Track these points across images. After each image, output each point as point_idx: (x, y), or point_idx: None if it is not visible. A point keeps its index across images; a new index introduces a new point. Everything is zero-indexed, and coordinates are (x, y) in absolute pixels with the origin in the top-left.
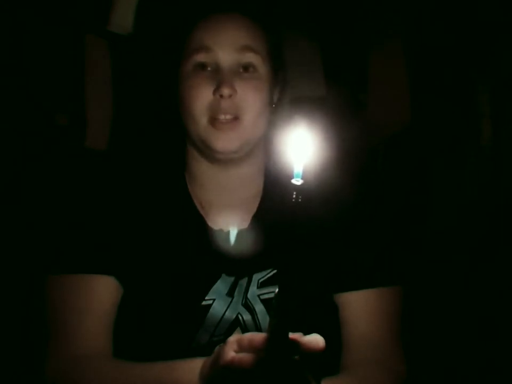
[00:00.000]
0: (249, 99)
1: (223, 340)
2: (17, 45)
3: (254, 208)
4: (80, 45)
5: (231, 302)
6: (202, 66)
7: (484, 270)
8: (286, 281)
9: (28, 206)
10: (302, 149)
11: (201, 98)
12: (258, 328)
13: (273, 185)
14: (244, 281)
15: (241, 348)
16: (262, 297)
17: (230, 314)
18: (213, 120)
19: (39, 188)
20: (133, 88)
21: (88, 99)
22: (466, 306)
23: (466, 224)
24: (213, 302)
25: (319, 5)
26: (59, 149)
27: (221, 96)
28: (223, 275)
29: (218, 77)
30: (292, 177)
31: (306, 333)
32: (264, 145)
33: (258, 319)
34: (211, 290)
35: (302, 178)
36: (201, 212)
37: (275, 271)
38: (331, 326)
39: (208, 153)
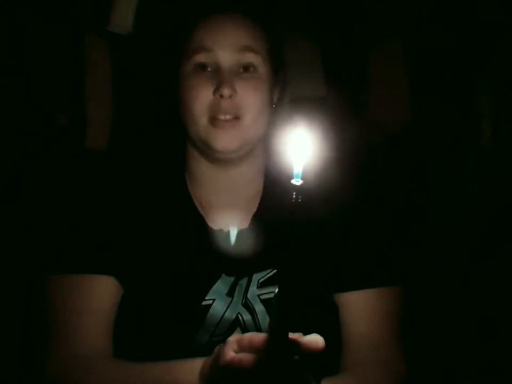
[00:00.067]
0: (249, 99)
1: (223, 340)
2: (17, 45)
3: (254, 208)
4: (80, 45)
5: (231, 302)
6: (202, 66)
7: (483, 270)
8: (286, 281)
9: (28, 206)
10: (301, 149)
11: (201, 98)
12: (258, 328)
13: (273, 185)
14: (243, 281)
15: (241, 348)
16: (262, 297)
17: (230, 314)
18: (213, 120)
19: (39, 188)
20: (133, 88)
21: (88, 99)
22: (466, 306)
23: (466, 224)
24: (213, 302)
25: (319, 5)
26: (59, 149)
27: (221, 96)
28: (223, 275)
29: (218, 77)
30: (292, 177)
31: (306, 333)
32: (264, 145)
33: (258, 319)
34: (211, 290)
35: (302, 179)
36: (201, 212)
37: (275, 271)
38: (331, 326)
39: (208, 153)
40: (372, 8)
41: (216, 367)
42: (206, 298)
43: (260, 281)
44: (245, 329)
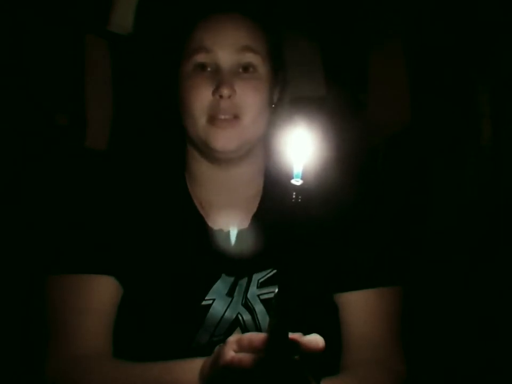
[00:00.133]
0: (249, 99)
1: (223, 340)
2: (17, 45)
3: (254, 208)
4: (80, 45)
5: (231, 302)
6: (202, 66)
7: (483, 270)
8: (285, 281)
9: (28, 206)
10: (301, 149)
11: (201, 98)
12: (258, 328)
13: (273, 185)
14: (243, 281)
15: (241, 348)
16: (261, 297)
17: (229, 314)
18: (212, 120)
19: (39, 188)
20: (133, 88)
21: (88, 99)
22: (466, 306)
23: (466, 224)
24: (212, 302)
25: (319, 5)
26: (59, 149)
27: (221, 96)
28: (223, 275)
29: (218, 77)
30: (292, 177)
31: (306, 333)
32: (264, 145)
33: (258, 319)
34: (211, 290)
35: (301, 179)
36: (201, 212)
37: (275, 271)
38: (331, 326)
39: (208, 153)
40: (371, 8)
41: (216, 367)
42: (206, 298)
43: (260, 281)
44: (245, 329)
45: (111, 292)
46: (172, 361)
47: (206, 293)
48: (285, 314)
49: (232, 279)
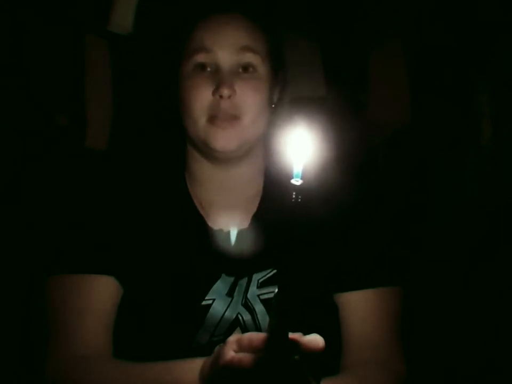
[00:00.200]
0: (249, 99)
1: (223, 340)
2: (17, 45)
3: (254, 208)
4: (80, 45)
5: (231, 302)
6: (202, 66)
7: (484, 270)
8: (285, 281)
9: (28, 206)
10: (301, 149)
11: (201, 98)
12: (258, 328)
13: (273, 185)
14: (243, 281)
15: (241, 347)
16: (261, 297)
17: (229, 314)
18: (213, 120)
19: (39, 188)
20: (133, 88)
21: (88, 99)
22: (466, 306)
23: (466, 224)
24: (212, 302)
25: (319, 5)
26: (59, 149)
27: (221, 96)
28: (223, 275)
29: (218, 78)
30: (292, 177)
31: (306, 333)
32: (264, 145)
33: (258, 319)
34: (211, 290)
35: (301, 178)
36: (201, 212)
37: (275, 271)
38: (331, 326)
39: (208, 152)
40: (372, 8)
41: (216, 367)
42: (206, 298)
43: (260, 281)
44: (244, 329)
45: (111, 292)
46: (172, 361)
47: (206, 293)
48: (285, 314)
49: (232, 279)
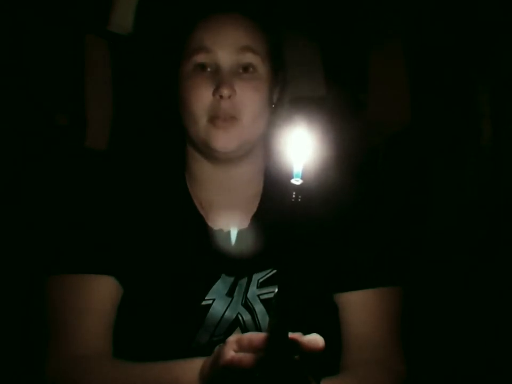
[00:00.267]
0: (249, 99)
1: (223, 340)
2: (17, 45)
3: (254, 208)
4: (80, 45)
5: (230, 302)
6: (202, 66)
7: (484, 270)
8: (285, 281)
9: (28, 206)
10: (301, 148)
11: (201, 99)
12: (258, 328)
13: (273, 185)
14: (243, 281)
15: (241, 347)
16: (261, 297)
17: (229, 314)
18: (213, 120)
19: (39, 187)
20: (133, 88)
21: (88, 99)
22: (466, 306)
23: (466, 224)
24: (212, 302)
25: (319, 5)
26: (59, 149)
27: (221, 96)
28: (223, 275)
29: (218, 78)
30: (292, 177)
31: (306, 333)
32: (264, 145)
33: (258, 319)
34: (211, 290)
35: (301, 178)
36: (201, 212)
37: (275, 271)
38: (331, 326)
39: (208, 152)
40: (372, 8)
41: (216, 367)
42: (206, 298)
43: (260, 281)
44: (244, 329)
45: (111, 292)
46: (171, 361)
47: (206, 293)
48: (285, 314)
49: (232, 279)
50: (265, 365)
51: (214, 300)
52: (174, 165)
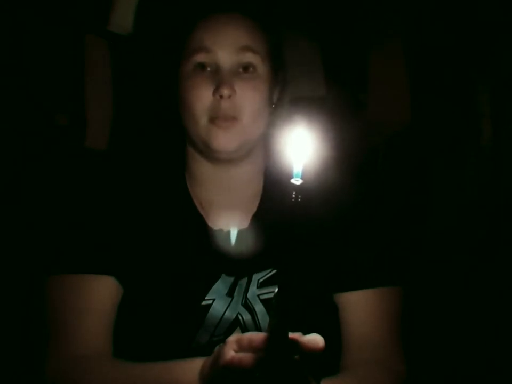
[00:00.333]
0: (249, 99)
1: (223, 340)
2: (17, 45)
3: (254, 208)
4: (80, 45)
5: (230, 302)
6: (202, 66)
7: (483, 270)
8: (285, 281)
9: (28, 206)
10: (301, 148)
11: (202, 99)
12: (258, 328)
13: (273, 185)
14: (243, 281)
15: (241, 347)
16: (261, 297)
17: (229, 314)
18: (213, 120)
19: (39, 187)
20: (133, 88)
21: (88, 99)
22: (466, 306)
23: (466, 224)
24: (212, 302)
25: (319, 5)
26: (59, 149)
27: (221, 96)
28: (223, 275)
29: (218, 77)
30: (292, 177)
31: (306, 333)
32: (264, 145)
33: (258, 319)
34: (211, 290)
35: (301, 178)
36: (201, 212)
37: (275, 271)
38: (331, 326)
39: (208, 153)
40: (372, 8)
41: (216, 367)
42: (206, 298)
43: (260, 281)
44: (244, 329)
45: (111, 292)
46: (171, 361)
47: (206, 293)
48: (285, 314)
49: (232, 279)
50: (265, 365)
51: (214, 300)
52: (174, 165)
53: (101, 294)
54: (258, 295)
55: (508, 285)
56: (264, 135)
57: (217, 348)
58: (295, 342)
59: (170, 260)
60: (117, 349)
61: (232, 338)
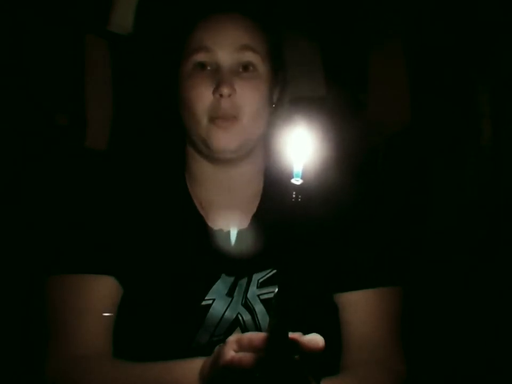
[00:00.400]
0: (249, 98)
1: (223, 340)
2: (17, 45)
3: (254, 208)
4: (80, 45)
5: (230, 302)
6: (202, 66)
7: (484, 270)
8: (285, 281)
9: (28, 206)
10: (301, 148)
11: (202, 98)
12: (258, 328)
13: (273, 185)
14: (243, 281)
15: (241, 347)
16: (261, 297)
17: (229, 314)
18: (213, 119)
19: (39, 188)
20: (133, 88)
21: (88, 99)
22: (466, 306)
23: (466, 224)
24: (212, 302)
25: (319, 5)
26: (59, 149)
27: (221, 95)
28: (223, 275)
29: (218, 77)
30: (292, 177)
31: (306, 333)
32: (264, 145)
33: (258, 319)
34: (211, 290)
35: (301, 178)
36: (201, 212)
37: (275, 271)
38: (331, 326)
39: (208, 153)
40: (372, 8)
41: (216, 367)
42: (206, 298)
43: (260, 281)
44: (244, 329)
45: (111, 292)
46: (171, 361)
47: (206, 293)
48: (285, 314)
49: (232, 279)
50: (265, 365)
51: (214, 300)
52: (174, 165)
53: (101, 294)
54: (258, 295)
55: (508, 285)
56: (264, 135)
57: (217, 348)
58: (295, 342)
59: (170, 259)
60: (117, 349)
61: (232, 338)
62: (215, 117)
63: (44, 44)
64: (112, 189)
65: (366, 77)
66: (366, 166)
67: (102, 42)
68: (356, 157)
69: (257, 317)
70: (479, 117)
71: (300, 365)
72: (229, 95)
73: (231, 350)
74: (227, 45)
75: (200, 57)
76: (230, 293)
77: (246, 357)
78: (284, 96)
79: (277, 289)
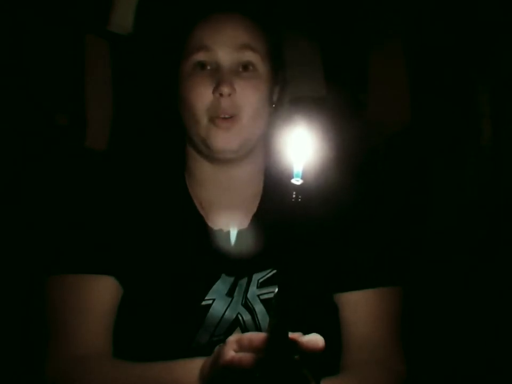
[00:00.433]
0: (249, 98)
1: (223, 340)
2: (17, 45)
3: (254, 208)
4: (80, 45)
5: (231, 302)
6: (202, 65)
7: (484, 270)
8: (285, 281)
9: (28, 206)
10: (301, 148)
11: (202, 98)
12: (258, 328)
13: (273, 185)
14: (243, 281)
15: (241, 347)
16: (261, 297)
17: (229, 314)
18: (213, 119)
19: (39, 187)
20: (133, 88)
21: (88, 99)
22: (466, 306)
23: (466, 224)
24: (212, 302)
25: (319, 5)
26: (59, 149)
27: (221, 94)
28: (223, 275)
29: (218, 76)
30: (292, 177)
31: (306, 333)
32: (264, 145)
33: (258, 319)
34: (211, 290)
35: (301, 178)
36: (201, 212)
37: (275, 271)
38: (331, 326)
39: (208, 153)
40: (372, 8)
41: (216, 367)
42: (206, 298)
43: (260, 281)
44: (244, 329)
45: (111, 292)
46: (171, 361)
47: (206, 293)
48: (285, 314)
49: (232, 279)
50: (265, 365)
51: (214, 300)
52: (174, 165)
53: (101, 294)
54: (258, 295)
55: (508, 285)
56: (264, 135)
57: (217, 348)
58: (295, 342)
59: (170, 260)
60: (117, 349)
61: (232, 338)
62: (215, 117)
63: (43, 44)
64: (112, 189)
65: (366, 77)
66: (366, 166)
67: (102, 42)
68: (355, 157)
69: (257, 317)
70: (479, 117)
71: (300, 365)
72: (229, 94)
73: (231, 350)
74: (227, 45)
75: (200, 56)
76: (230, 293)
77: (246, 357)
78: (284, 96)
79: (277, 289)
